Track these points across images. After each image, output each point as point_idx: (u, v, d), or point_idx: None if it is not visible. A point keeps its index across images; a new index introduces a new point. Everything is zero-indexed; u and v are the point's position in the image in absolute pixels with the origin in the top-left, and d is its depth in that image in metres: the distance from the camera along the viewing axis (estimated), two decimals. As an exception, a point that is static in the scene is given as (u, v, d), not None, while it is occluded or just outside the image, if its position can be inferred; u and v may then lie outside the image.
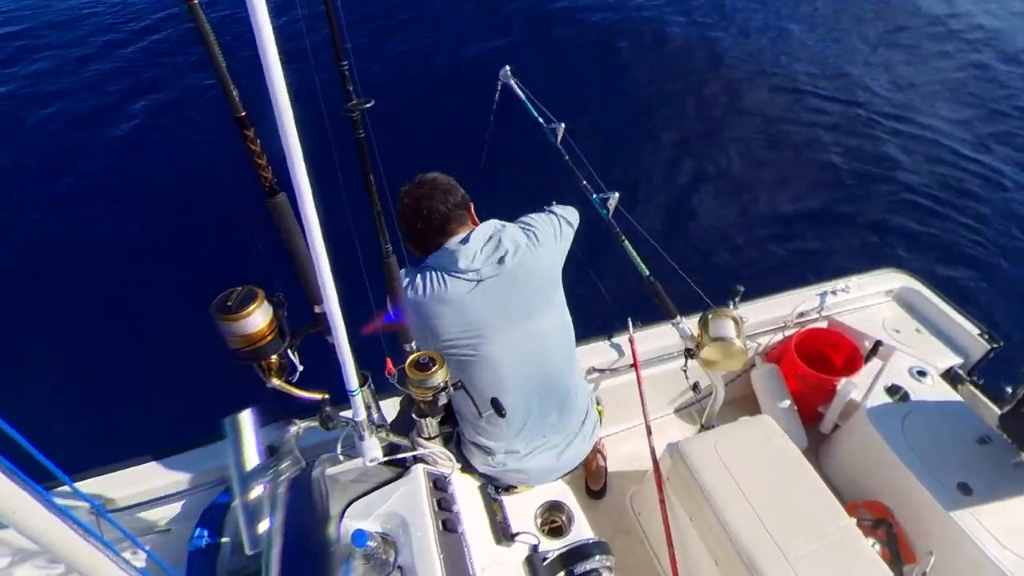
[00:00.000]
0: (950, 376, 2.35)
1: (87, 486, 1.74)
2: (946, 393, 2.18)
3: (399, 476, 1.38)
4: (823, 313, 2.53)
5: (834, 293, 2.53)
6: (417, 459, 1.40)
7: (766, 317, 2.47)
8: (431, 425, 1.39)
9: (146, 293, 4.00)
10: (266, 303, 1.10)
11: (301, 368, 1.22)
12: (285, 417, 1.31)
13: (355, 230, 1.28)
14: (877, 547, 1.89)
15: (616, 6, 7.27)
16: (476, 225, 1.54)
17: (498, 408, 1.38)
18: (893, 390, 2.17)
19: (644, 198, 4.68)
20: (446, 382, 1.24)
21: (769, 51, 6.65)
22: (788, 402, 2.43)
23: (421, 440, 1.41)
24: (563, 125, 2.26)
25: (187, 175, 4.92)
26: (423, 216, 1.50)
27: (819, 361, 2.47)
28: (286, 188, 0.93)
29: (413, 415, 1.36)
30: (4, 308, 3.93)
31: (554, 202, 1.75)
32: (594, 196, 2.12)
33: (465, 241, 1.46)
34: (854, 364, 2.42)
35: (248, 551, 1.15)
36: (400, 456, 1.38)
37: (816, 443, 2.46)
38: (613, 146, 5.10)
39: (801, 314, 2.51)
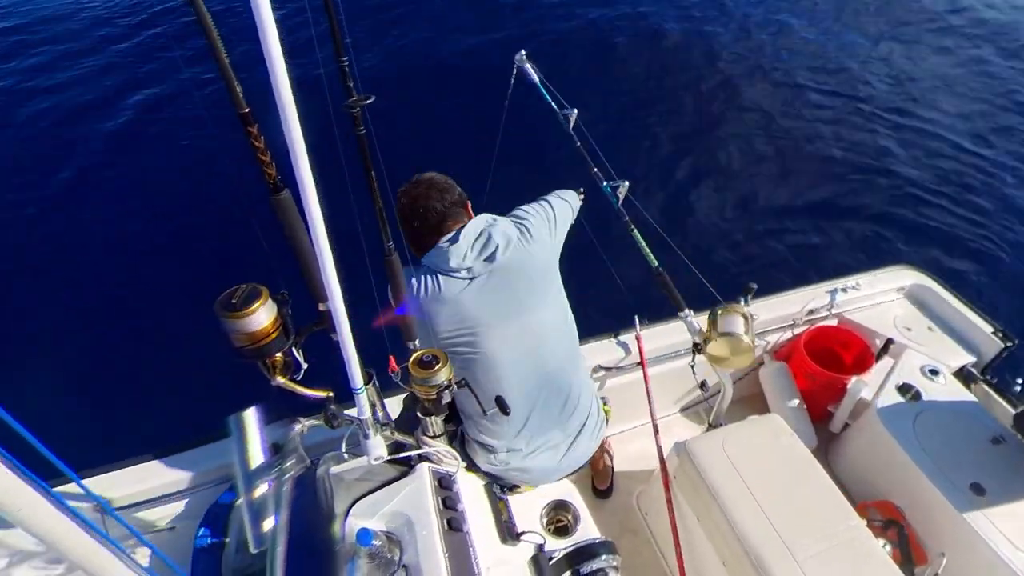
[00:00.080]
0: (963, 375, 2.34)
1: (92, 484, 1.76)
2: (959, 392, 2.17)
3: (404, 474, 1.39)
4: (833, 311, 2.51)
5: (844, 290, 2.51)
6: (422, 457, 1.41)
7: (775, 315, 2.46)
8: (436, 423, 1.40)
9: (149, 291, 4.02)
10: (270, 301, 1.11)
11: (305, 366, 1.23)
12: (290, 415, 1.33)
13: (358, 228, 1.29)
14: (888, 548, 1.89)
15: (616, 1, 7.24)
16: None
17: (503, 406, 1.39)
18: (905, 389, 2.15)
19: (651, 190, 4.67)
20: (449, 380, 1.24)
21: (774, 47, 6.62)
22: (797, 401, 2.42)
23: (426, 438, 1.42)
24: (576, 111, 2.26)
25: (189, 172, 4.94)
26: (420, 215, 1.52)
27: (829, 359, 2.46)
28: (290, 185, 0.93)
29: (418, 413, 1.37)
30: (4, 307, 3.96)
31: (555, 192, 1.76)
32: (604, 184, 2.12)
33: (454, 239, 1.47)
34: (865, 362, 2.41)
35: (253, 549, 1.16)
36: (405, 454, 1.39)
37: (826, 442, 2.45)
38: (622, 137, 5.11)
39: (811, 311, 2.50)
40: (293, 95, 0.75)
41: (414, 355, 1.25)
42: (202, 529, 1.61)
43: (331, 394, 1.29)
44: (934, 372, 2.21)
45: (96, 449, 2.90)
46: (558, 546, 1.45)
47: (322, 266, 0.93)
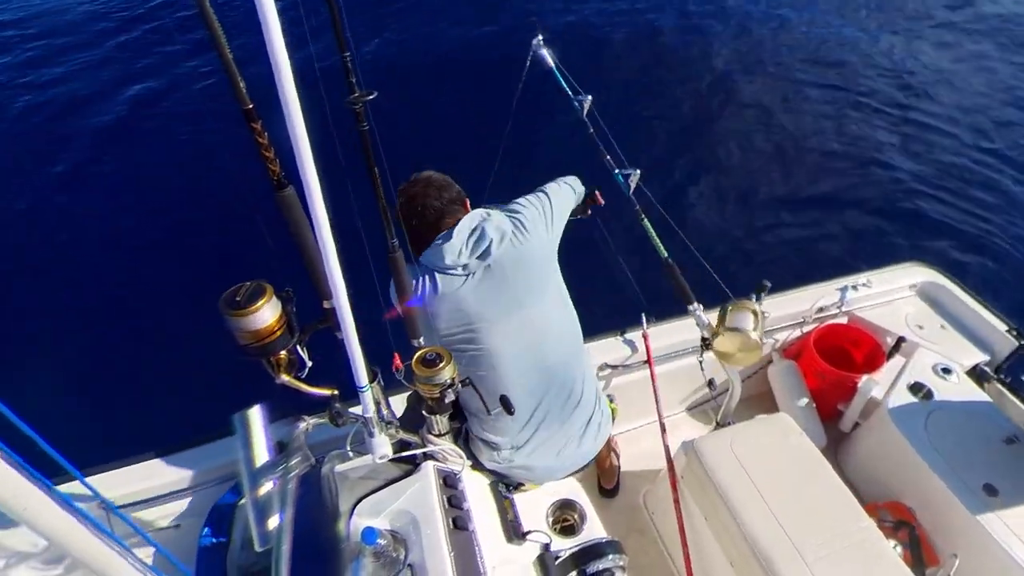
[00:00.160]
0: (976, 373, 2.31)
1: (97, 482, 1.77)
2: (972, 391, 2.15)
3: (409, 473, 1.39)
4: (843, 308, 2.50)
5: (855, 288, 2.50)
6: (427, 456, 1.41)
7: (784, 312, 2.45)
8: (441, 422, 1.40)
9: (151, 289, 4.04)
10: (275, 298, 1.11)
11: (310, 364, 1.23)
12: (294, 413, 1.33)
13: (359, 225, 1.29)
14: (898, 549, 1.88)
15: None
16: None
17: (507, 406, 1.39)
18: (916, 388, 2.14)
19: (663, 182, 4.68)
20: (453, 379, 1.24)
21: (800, 42, 6.58)
22: (806, 400, 2.40)
23: (431, 437, 1.42)
24: (590, 97, 2.26)
25: (192, 168, 4.95)
26: (418, 212, 1.53)
27: (839, 357, 2.44)
28: (294, 181, 0.93)
29: (423, 412, 1.37)
30: (5, 306, 3.98)
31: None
32: (616, 171, 2.12)
33: (448, 237, 1.48)
34: (875, 361, 2.39)
35: (258, 547, 1.17)
36: (410, 453, 1.39)
37: (835, 442, 2.44)
38: (633, 127, 5.12)
39: (820, 309, 2.48)
40: (299, 92, 0.75)
41: (418, 353, 1.25)
42: (206, 528, 1.62)
43: (336, 392, 1.29)
44: (946, 371, 2.19)
45: (100, 447, 2.92)
46: (564, 545, 1.45)
47: (326, 263, 0.93)
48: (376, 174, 1.15)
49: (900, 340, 2.39)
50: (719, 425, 2.31)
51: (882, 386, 2.26)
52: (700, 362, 2.12)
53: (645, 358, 2.24)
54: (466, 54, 6.16)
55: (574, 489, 1.64)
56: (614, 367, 2.29)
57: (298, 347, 1.20)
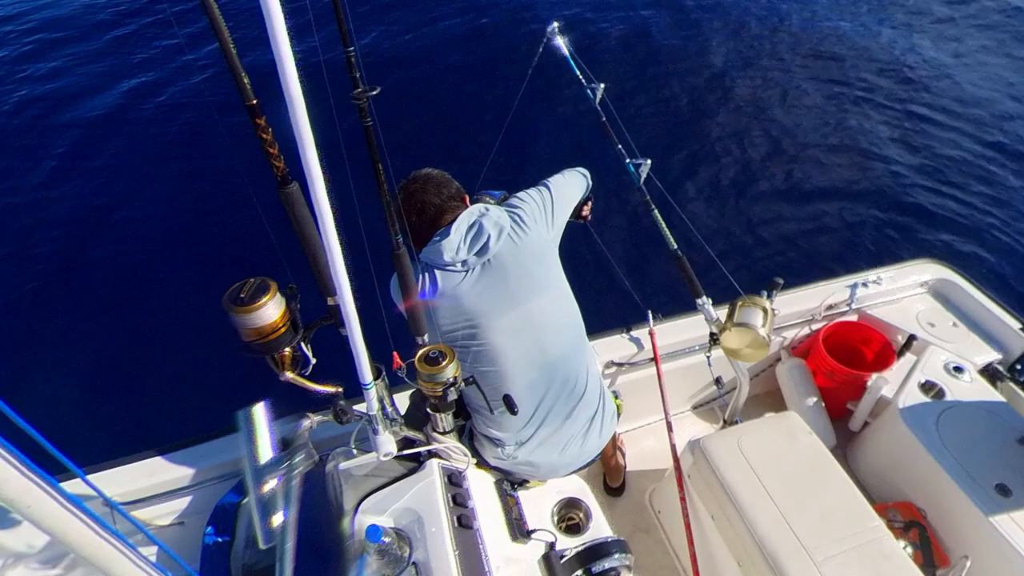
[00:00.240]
0: (989, 372, 2.29)
1: (99, 479, 1.78)
2: (984, 390, 2.13)
3: (413, 471, 1.39)
4: (853, 306, 2.48)
5: (865, 285, 2.48)
6: (431, 454, 1.41)
7: (793, 310, 2.43)
8: (445, 419, 1.40)
9: (154, 285, 4.05)
10: (279, 295, 1.11)
11: (314, 361, 1.23)
12: (298, 411, 1.33)
13: (365, 222, 1.29)
14: (908, 550, 1.87)
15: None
16: None
17: (510, 405, 1.39)
18: (927, 387, 2.12)
19: (672, 176, 4.67)
20: (456, 377, 1.24)
21: (816, 38, 6.53)
22: (815, 398, 2.39)
23: (436, 434, 1.42)
24: (603, 85, 2.26)
25: (195, 165, 4.96)
26: (418, 210, 1.55)
27: (848, 356, 2.43)
28: (298, 178, 0.93)
29: (427, 409, 1.37)
30: (6, 303, 4.01)
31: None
32: (627, 161, 2.11)
33: (446, 233, 1.49)
34: (886, 359, 2.38)
35: (262, 545, 1.18)
36: (414, 450, 1.39)
37: (845, 441, 2.43)
38: (642, 120, 5.11)
39: (830, 307, 2.47)
40: (301, 87, 0.75)
41: (421, 351, 1.25)
42: (209, 527, 1.63)
43: (340, 389, 1.30)
44: (958, 369, 2.17)
45: (103, 445, 2.96)
46: (569, 544, 1.45)
47: (330, 260, 0.93)
48: (380, 170, 1.15)
49: (911, 338, 2.37)
50: (726, 424, 2.30)
51: (892, 385, 2.24)
52: (708, 358, 2.11)
53: (651, 356, 2.24)
54: (471, 44, 6.15)
55: (579, 487, 1.64)
56: (620, 365, 2.28)
57: (302, 344, 1.20)
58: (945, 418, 2.02)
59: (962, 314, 2.48)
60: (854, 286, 2.48)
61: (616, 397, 1.94)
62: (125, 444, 1.95)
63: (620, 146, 2.13)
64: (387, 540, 1.16)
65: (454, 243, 1.48)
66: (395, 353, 1.31)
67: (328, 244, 0.92)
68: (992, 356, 2.33)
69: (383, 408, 1.25)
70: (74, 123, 5.50)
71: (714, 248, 2.23)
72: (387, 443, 1.28)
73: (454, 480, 1.37)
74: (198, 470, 1.83)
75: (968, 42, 6.51)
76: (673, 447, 1.98)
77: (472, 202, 1.65)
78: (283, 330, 1.13)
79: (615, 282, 3.88)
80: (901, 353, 2.38)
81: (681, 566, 2.09)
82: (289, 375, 1.21)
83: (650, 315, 2.30)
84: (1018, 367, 2.33)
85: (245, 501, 1.65)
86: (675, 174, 4.71)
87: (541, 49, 2.30)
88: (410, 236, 1.56)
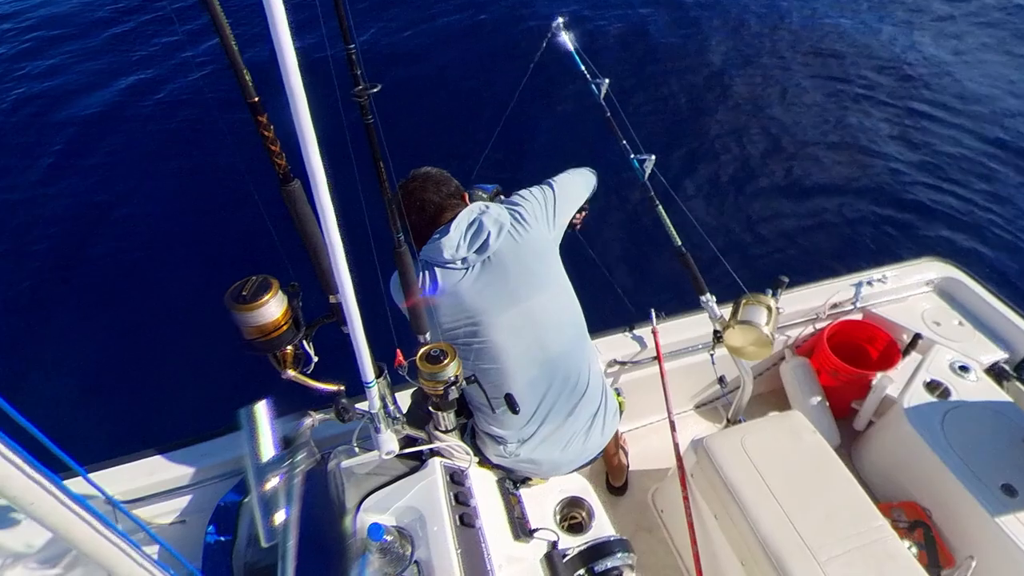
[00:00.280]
0: (995, 372, 2.29)
1: (101, 478, 1.79)
2: (991, 390, 2.13)
3: (415, 469, 1.39)
4: (858, 304, 2.47)
5: (870, 283, 2.47)
6: (434, 452, 1.42)
7: (797, 308, 2.43)
8: (448, 418, 1.40)
9: (156, 283, 4.06)
10: (281, 293, 1.11)
11: (316, 359, 1.24)
12: (300, 409, 1.33)
13: (367, 220, 1.29)
14: (913, 550, 1.86)
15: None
16: None
17: (511, 404, 1.40)
18: (933, 386, 2.12)
19: (677, 173, 4.66)
20: (457, 376, 1.24)
21: (817, 33, 6.52)
22: (819, 397, 2.39)
23: (438, 433, 1.42)
24: (607, 81, 2.26)
25: (195, 162, 4.97)
26: (417, 208, 1.56)
27: (853, 355, 2.42)
28: (300, 175, 0.93)
29: (429, 408, 1.37)
30: (7, 300, 4.02)
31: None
32: (632, 156, 2.11)
33: (445, 231, 1.50)
34: (891, 358, 2.37)
35: (264, 543, 1.18)
36: (416, 449, 1.40)
37: (849, 440, 2.42)
38: (643, 117, 5.10)
39: (834, 305, 2.46)
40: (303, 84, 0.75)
41: (422, 349, 1.25)
42: (210, 527, 1.64)
43: (342, 387, 1.30)
44: (964, 369, 2.17)
45: (105, 443, 2.97)
46: (572, 543, 1.45)
47: (333, 257, 0.94)
48: (381, 168, 1.15)
49: (916, 337, 2.36)
50: (730, 423, 2.30)
51: (897, 384, 2.24)
52: (712, 355, 2.11)
53: (654, 354, 2.24)
54: (471, 41, 6.16)
55: (582, 486, 1.64)
56: (622, 363, 2.28)
57: (304, 342, 1.20)
58: (951, 417, 2.01)
59: (968, 313, 2.47)
60: (859, 284, 2.47)
61: (618, 394, 1.94)
62: (126, 443, 1.96)
63: (624, 142, 2.13)
64: (389, 539, 1.17)
65: (454, 240, 1.49)
66: (398, 351, 1.31)
67: (330, 242, 0.92)
68: (998, 355, 2.33)
69: (385, 406, 1.25)
70: (73, 120, 5.51)
71: (718, 245, 2.22)
72: (389, 441, 1.29)
73: (456, 479, 1.38)
74: (200, 468, 1.84)
75: (968, 39, 6.50)
76: (676, 446, 1.98)
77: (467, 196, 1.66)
78: (285, 328, 1.13)
79: (618, 280, 3.88)
80: (906, 352, 2.37)
81: (684, 566, 2.09)
82: (291, 373, 1.22)
83: (653, 313, 2.30)
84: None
85: (247, 500, 1.65)
86: (678, 171, 4.70)
87: (545, 44, 2.29)
88: (410, 234, 1.57)
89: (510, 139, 4.59)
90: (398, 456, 1.34)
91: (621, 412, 1.83)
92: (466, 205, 1.61)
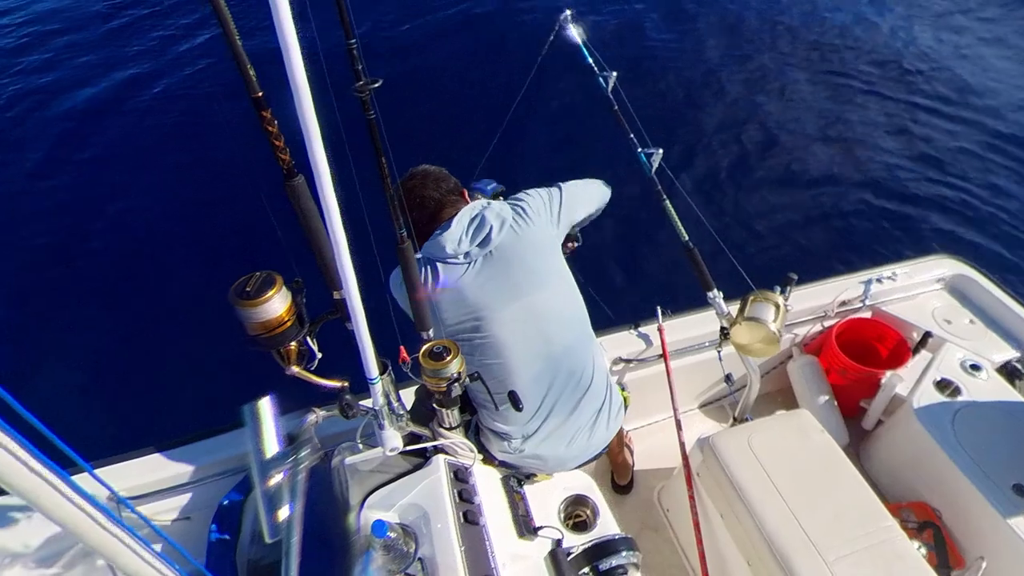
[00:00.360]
0: (1007, 371, 2.27)
1: (105, 474, 1.80)
2: (1002, 389, 2.12)
3: (419, 466, 1.40)
4: (867, 302, 2.46)
5: (879, 281, 2.46)
6: (437, 449, 1.42)
7: (805, 306, 2.42)
8: (452, 415, 1.40)
9: (159, 279, 4.08)
10: (284, 289, 1.12)
11: (320, 355, 1.24)
12: (304, 405, 1.34)
13: (370, 216, 1.30)
14: (923, 550, 1.86)
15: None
16: None
17: (515, 402, 1.40)
18: (943, 385, 2.11)
19: (685, 167, 4.66)
20: (460, 373, 1.25)
21: (822, 29, 6.48)
22: (828, 396, 2.38)
23: (442, 430, 1.43)
24: (615, 74, 2.26)
25: (198, 157, 4.99)
26: (417, 204, 1.58)
27: (862, 353, 2.42)
28: (304, 170, 0.93)
29: (433, 405, 1.38)
30: (10, 296, 4.04)
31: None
32: (639, 150, 2.11)
33: (447, 227, 1.52)
34: (900, 357, 2.36)
35: (268, 539, 1.19)
36: (420, 446, 1.40)
37: (857, 440, 2.42)
38: (647, 111, 5.07)
39: (843, 303, 2.45)
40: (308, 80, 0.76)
41: (425, 346, 1.26)
42: (213, 525, 1.65)
43: (346, 384, 1.31)
44: (975, 367, 2.16)
45: (108, 439, 2.98)
46: (576, 541, 1.45)
47: (337, 253, 0.94)
48: (383, 163, 1.15)
49: (926, 335, 2.35)
50: (736, 421, 2.30)
51: (907, 383, 2.23)
52: (719, 352, 2.11)
53: (660, 352, 2.24)
54: (471, 34, 6.16)
55: (587, 485, 1.64)
56: (628, 361, 2.28)
57: (308, 338, 1.21)
58: (961, 417, 2.01)
59: (979, 311, 2.46)
60: (868, 282, 2.46)
61: (623, 389, 1.94)
62: (128, 441, 1.97)
63: (632, 135, 2.13)
64: (393, 535, 1.17)
65: (455, 234, 1.50)
66: (402, 348, 1.32)
67: (334, 238, 0.92)
68: (1010, 354, 2.31)
69: (389, 403, 1.26)
70: (72, 115, 5.53)
71: (726, 241, 2.22)
72: (393, 438, 1.29)
73: (460, 476, 1.38)
74: (203, 465, 1.85)
75: (968, 34, 6.45)
76: (682, 444, 1.98)
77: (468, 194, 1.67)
78: (289, 324, 1.14)
79: (623, 277, 3.87)
80: (916, 350, 2.36)
81: (690, 565, 2.09)
82: (295, 369, 1.22)
83: (659, 310, 2.29)
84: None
85: (250, 497, 1.67)
86: (685, 165, 4.69)
87: (553, 36, 2.29)
88: (412, 231, 1.58)
89: (514, 133, 4.58)
90: (402, 453, 1.35)
91: (626, 407, 1.83)
92: (467, 202, 1.62)
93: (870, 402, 2.37)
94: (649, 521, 2.27)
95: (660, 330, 2.25)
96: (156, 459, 1.87)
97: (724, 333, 1.98)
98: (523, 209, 1.58)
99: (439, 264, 1.52)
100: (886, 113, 5.35)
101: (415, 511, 1.28)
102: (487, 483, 1.46)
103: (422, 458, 1.42)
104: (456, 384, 1.25)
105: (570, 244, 1.89)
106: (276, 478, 1.19)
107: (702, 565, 1.77)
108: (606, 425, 1.69)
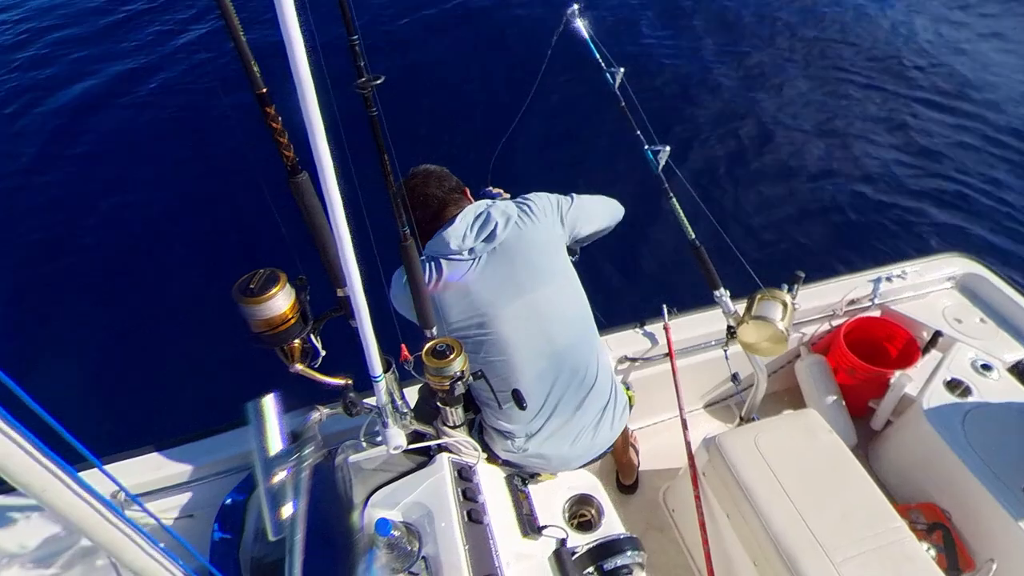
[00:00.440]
0: (1018, 371, 2.26)
1: (112, 470, 1.82)
2: (1014, 389, 2.11)
3: (423, 465, 1.41)
4: (876, 301, 2.45)
5: (889, 279, 2.45)
6: (441, 448, 1.43)
7: (813, 304, 2.41)
8: (456, 413, 1.41)
9: (163, 276, 4.09)
10: (288, 286, 1.13)
11: (324, 353, 1.25)
12: (308, 403, 1.35)
13: (373, 213, 1.30)
14: (932, 552, 1.85)
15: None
16: None
17: (519, 400, 1.41)
18: (953, 385, 2.10)
19: (692, 164, 4.65)
20: (463, 371, 1.25)
21: (829, 22, 6.46)
22: (836, 396, 2.38)
23: (446, 428, 1.44)
24: (623, 70, 2.26)
25: (201, 154, 5.00)
26: (420, 203, 1.59)
27: (871, 352, 2.41)
28: (308, 167, 0.94)
29: (437, 403, 1.38)
30: (12, 293, 4.07)
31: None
32: (646, 147, 2.11)
33: (451, 224, 1.52)
34: (910, 356, 2.35)
35: (271, 537, 1.20)
36: (424, 444, 1.41)
37: (866, 440, 2.41)
38: (657, 107, 5.09)
39: (852, 302, 2.45)
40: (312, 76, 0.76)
41: (428, 344, 1.26)
42: (216, 525, 1.67)
43: (350, 381, 1.31)
44: (986, 367, 2.15)
45: (111, 436, 3.01)
46: (581, 541, 1.46)
47: (341, 251, 0.95)
48: (385, 161, 1.16)
49: (937, 334, 2.34)
50: (743, 421, 2.30)
51: (917, 383, 2.22)
52: (725, 351, 2.11)
53: (666, 351, 2.24)
54: (471, 29, 6.16)
55: (591, 484, 1.65)
56: (633, 360, 2.28)
57: (311, 336, 1.22)
58: (972, 417, 2.00)
59: (991, 310, 2.44)
60: (877, 280, 2.45)
61: (628, 389, 1.95)
62: (127, 438, 1.99)
63: (639, 132, 2.13)
64: (396, 534, 1.18)
65: (460, 231, 1.51)
66: (403, 346, 1.33)
67: (338, 235, 0.93)
68: (1022, 354, 2.30)
69: (392, 401, 1.27)
70: (74, 113, 5.56)
71: (733, 239, 2.21)
72: (397, 436, 1.30)
73: (464, 475, 1.39)
74: (208, 463, 1.87)
75: (974, 28, 6.40)
76: (688, 444, 1.98)
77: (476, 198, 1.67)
78: (293, 321, 1.14)
79: (628, 275, 3.87)
80: (926, 350, 2.35)
81: (695, 565, 2.09)
82: (299, 367, 1.23)
83: (665, 309, 2.29)
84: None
85: (254, 495, 1.68)
86: (686, 162, 4.67)
87: (561, 29, 2.29)
88: (415, 230, 1.59)
89: (513, 130, 4.56)
90: (406, 451, 1.35)
91: (631, 406, 1.83)
92: (469, 201, 1.63)
93: (879, 402, 2.36)
94: (654, 521, 2.27)
95: (666, 329, 2.25)
96: (159, 457, 1.88)
97: (731, 332, 1.98)
98: (529, 207, 1.59)
99: (443, 261, 1.52)
100: (900, 110, 5.31)
101: (419, 509, 1.29)
102: (491, 482, 1.47)
103: (426, 456, 1.43)
104: (459, 382, 1.26)
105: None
106: (280, 476, 1.19)
107: (708, 566, 1.77)
108: (610, 425, 1.69)
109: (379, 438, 1.32)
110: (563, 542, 1.41)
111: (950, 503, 2.00)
